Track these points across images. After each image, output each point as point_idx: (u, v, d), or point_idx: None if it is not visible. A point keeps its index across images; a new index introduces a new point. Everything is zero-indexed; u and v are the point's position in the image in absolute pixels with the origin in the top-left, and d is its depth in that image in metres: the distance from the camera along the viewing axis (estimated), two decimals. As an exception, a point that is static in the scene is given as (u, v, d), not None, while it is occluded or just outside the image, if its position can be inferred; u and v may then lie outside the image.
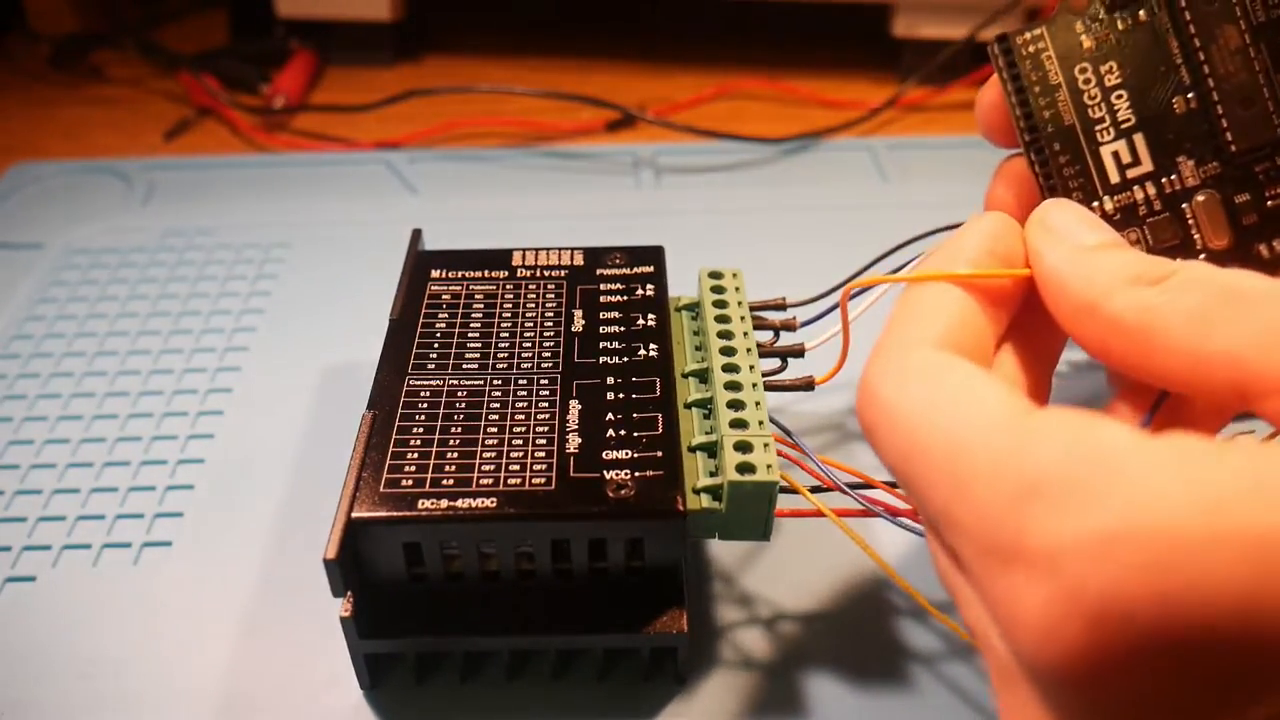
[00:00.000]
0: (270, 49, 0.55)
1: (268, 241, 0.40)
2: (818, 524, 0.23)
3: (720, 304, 0.27)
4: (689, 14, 0.61)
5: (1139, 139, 0.22)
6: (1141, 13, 0.22)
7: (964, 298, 0.19)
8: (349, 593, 0.22)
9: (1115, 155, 0.22)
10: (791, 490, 0.23)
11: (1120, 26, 0.22)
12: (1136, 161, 0.22)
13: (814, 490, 0.23)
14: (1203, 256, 0.21)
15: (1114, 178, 0.22)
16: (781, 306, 0.28)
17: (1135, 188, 0.22)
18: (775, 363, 0.27)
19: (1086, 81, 0.22)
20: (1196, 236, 0.21)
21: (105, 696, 0.24)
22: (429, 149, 0.48)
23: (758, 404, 0.23)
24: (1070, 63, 0.22)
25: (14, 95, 0.54)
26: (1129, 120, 0.22)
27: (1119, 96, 0.22)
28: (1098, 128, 0.22)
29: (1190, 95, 0.22)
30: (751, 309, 0.27)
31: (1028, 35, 0.22)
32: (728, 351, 0.25)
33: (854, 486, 0.23)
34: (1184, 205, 0.22)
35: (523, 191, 0.44)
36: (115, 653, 0.25)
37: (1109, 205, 0.22)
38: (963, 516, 0.16)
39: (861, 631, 0.25)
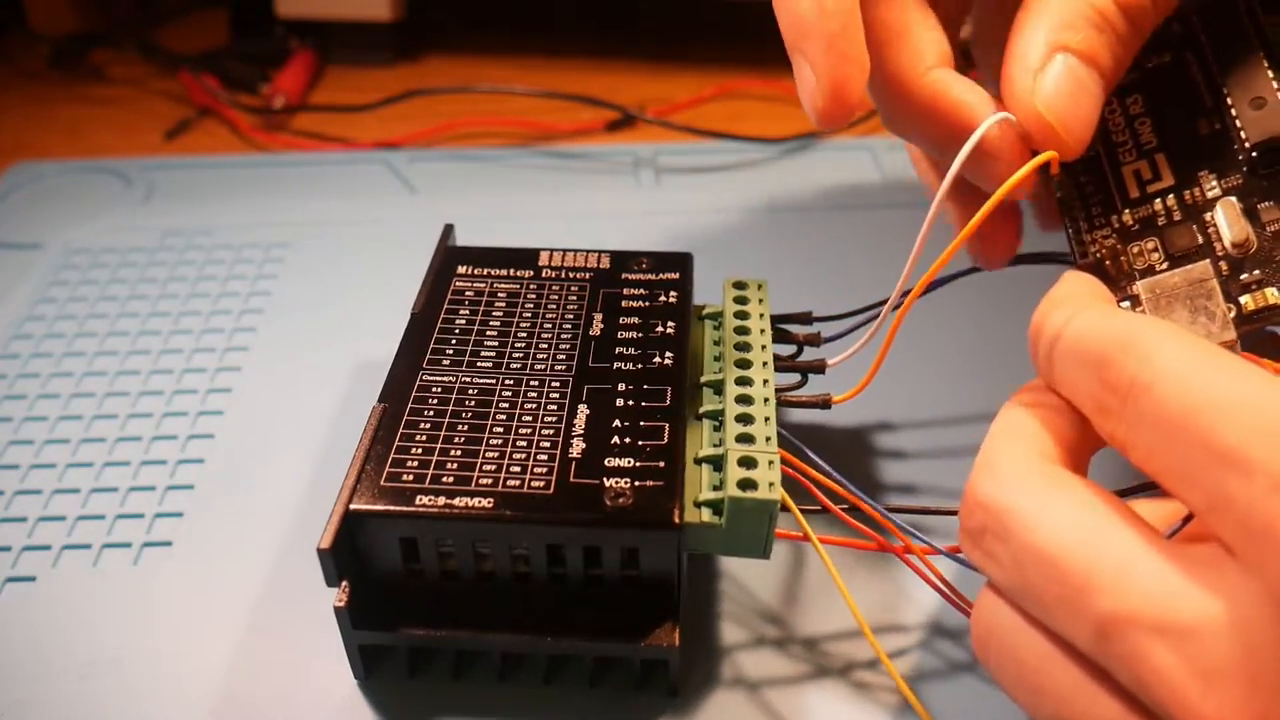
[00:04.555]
0: (270, 49, 0.56)
1: (268, 241, 0.40)
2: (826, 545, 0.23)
3: (741, 315, 0.26)
4: (689, 14, 0.61)
5: (1160, 157, 0.23)
6: (1167, 55, 0.23)
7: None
8: (344, 583, 0.22)
9: (1136, 173, 0.23)
10: (813, 510, 0.23)
11: (1147, 66, 0.23)
12: (1157, 177, 0.22)
13: (848, 510, 0.23)
14: (1224, 260, 0.21)
15: (1134, 193, 0.23)
16: (807, 320, 0.27)
17: (1156, 200, 0.22)
18: (795, 378, 0.26)
19: (1112, 112, 0.23)
20: (1216, 245, 0.21)
21: (105, 696, 0.24)
22: (429, 149, 0.48)
23: (767, 419, 0.23)
24: None
25: (14, 95, 0.54)
26: (1151, 142, 0.23)
27: (1142, 123, 0.23)
28: (1120, 149, 0.23)
29: (1214, 118, 0.22)
30: (776, 321, 0.26)
31: None
32: (743, 364, 0.25)
33: (893, 510, 0.23)
34: (1205, 215, 0.22)
35: (523, 191, 0.44)
36: (115, 653, 0.25)
37: (1128, 218, 0.22)
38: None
39: (863, 654, 0.25)
